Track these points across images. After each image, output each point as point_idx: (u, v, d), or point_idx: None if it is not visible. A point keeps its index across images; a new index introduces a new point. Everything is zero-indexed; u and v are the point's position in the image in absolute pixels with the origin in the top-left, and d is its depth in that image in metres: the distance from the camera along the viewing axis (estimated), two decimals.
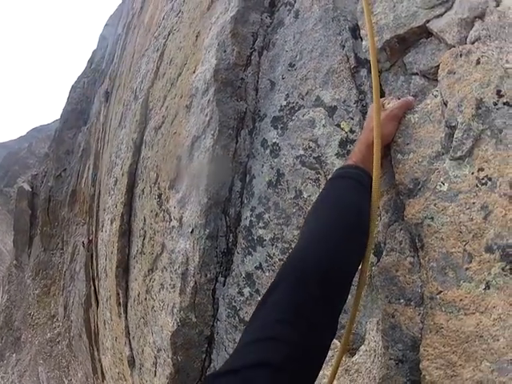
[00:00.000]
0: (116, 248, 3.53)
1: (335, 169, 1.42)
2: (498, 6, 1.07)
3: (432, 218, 1.11)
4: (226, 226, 2.06)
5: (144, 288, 2.81)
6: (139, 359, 2.94)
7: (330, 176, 1.49)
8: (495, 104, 1.02)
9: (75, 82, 14.52)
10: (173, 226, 2.40)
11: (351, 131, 1.51)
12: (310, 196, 1.63)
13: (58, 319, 10.75)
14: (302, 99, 1.73)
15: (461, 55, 1.13)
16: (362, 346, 1.35)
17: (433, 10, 1.24)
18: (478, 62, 1.08)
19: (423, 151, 1.18)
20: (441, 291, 1.06)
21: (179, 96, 2.69)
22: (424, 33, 1.29)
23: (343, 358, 1.35)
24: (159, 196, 2.72)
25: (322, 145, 1.60)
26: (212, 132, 2.09)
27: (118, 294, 3.52)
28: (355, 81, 1.55)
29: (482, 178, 1.02)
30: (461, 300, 1.02)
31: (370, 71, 1.40)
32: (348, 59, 1.58)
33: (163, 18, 3.85)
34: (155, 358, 2.53)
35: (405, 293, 1.19)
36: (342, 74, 1.58)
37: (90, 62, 14.74)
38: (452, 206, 1.07)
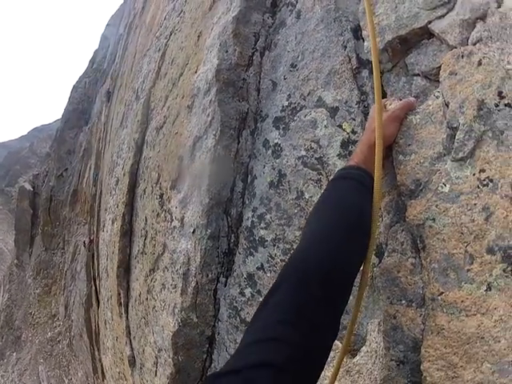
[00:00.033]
0: (117, 248, 3.53)
1: (337, 170, 1.42)
2: (499, 7, 1.07)
3: (434, 219, 1.12)
4: (228, 227, 2.06)
5: (145, 288, 2.81)
6: (140, 359, 2.94)
7: (331, 177, 1.49)
8: (496, 105, 1.02)
9: (77, 81, 14.53)
10: (174, 226, 2.41)
11: (353, 132, 1.51)
12: (311, 197, 1.63)
13: (58, 318, 10.76)
14: (304, 100, 1.73)
15: (462, 56, 1.13)
16: (363, 347, 1.35)
17: (434, 11, 1.24)
18: (479, 64, 1.08)
19: (425, 152, 1.18)
20: (442, 292, 1.07)
21: (181, 96, 2.69)
22: (426, 34, 1.29)
23: (344, 359, 1.35)
24: (161, 196, 2.72)
25: (323, 145, 1.60)
26: (214, 132, 2.09)
27: (119, 293, 3.52)
28: (357, 82, 1.55)
29: (484, 180, 1.02)
30: (462, 301, 1.02)
31: (371, 72, 1.40)
32: (350, 60, 1.58)
33: (165, 18, 3.86)
34: (156, 357, 2.53)
35: (406, 294, 1.19)
36: (343, 74, 1.58)
37: (92, 61, 14.75)
38: (453, 207, 1.07)
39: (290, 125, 1.78)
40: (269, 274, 1.79)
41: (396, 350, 1.19)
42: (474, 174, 1.04)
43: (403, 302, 1.19)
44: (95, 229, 6.27)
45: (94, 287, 6.32)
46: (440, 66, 1.21)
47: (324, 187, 1.55)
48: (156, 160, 2.98)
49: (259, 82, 2.07)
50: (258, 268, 1.85)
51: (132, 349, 3.15)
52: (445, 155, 1.13)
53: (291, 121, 1.78)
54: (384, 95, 1.38)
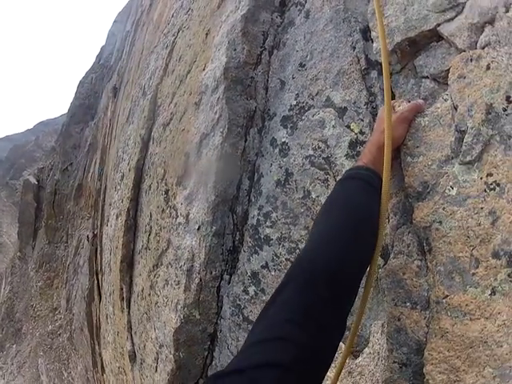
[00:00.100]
0: (121, 243, 3.53)
1: (344, 170, 1.42)
2: (507, 11, 1.07)
3: (440, 222, 1.12)
4: (233, 224, 2.06)
5: (148, 283, 2.82)
6: (140, 354, 2.95)
7: (339, 177, 1.49)
8: (504, 110, 1.02)
9: (83, 77, 14.53)
10: (179, 223, 2.41)
11: (361, 133, 1.51)
12: (318, 196, 1.63)
13: (59, 312, 10.78)
14: (312, 99, 1.73)
15: (471, 60, 1.13)
16: (366, 349, 1.35)
17: (443, 14, 1.24)
18: (488, 68, 1.08)
19: (433, 155, 1.18)
20: (447, 295, 1.07)
21: (188, 93, 2.69)
22: (435, 36, 1.29)
23: (347, 360, 1.35)
24: (166, 192, 2.72)
25: (331, 145, 1.60)
26: (221, 130, 2.09)
27: (121, 288, 3.53)
28: (365, 82, 1.55)
29: (491, 184, 1.02)
30: (466, 305, 1.02)
31: (380, 73, 1.40)
32: (359, 60, 1.58)
33: (172, 16, 3.85)
34: (157, 353, 2.54)
35: (411, 296, 1.19)
36: (352, 75, 1.58)
37: (99, 57, 14.76)
38: (460, 210, 1.07)
39: (297, 124, 1.78)
40: (273, 273, 1.80)
41: (399, 352, 1.19)
42: (481, 178, 1.05)
43: (408, 304, 1.20)
44: (99, 223, 6.28)
45: (96, 281, 6.33)
46: (449, 69, 1.21)
47: (331, 187, 1.56)
48: (162, 156, 2.98)
49: (267, 80, 2.07)
50: (262, 266, 1.85)
51: (133, 344, 3.16)
52: (453, 158, 1.13)
53: (299, 120, 1.78)
54: (393, 97, 1.38)
